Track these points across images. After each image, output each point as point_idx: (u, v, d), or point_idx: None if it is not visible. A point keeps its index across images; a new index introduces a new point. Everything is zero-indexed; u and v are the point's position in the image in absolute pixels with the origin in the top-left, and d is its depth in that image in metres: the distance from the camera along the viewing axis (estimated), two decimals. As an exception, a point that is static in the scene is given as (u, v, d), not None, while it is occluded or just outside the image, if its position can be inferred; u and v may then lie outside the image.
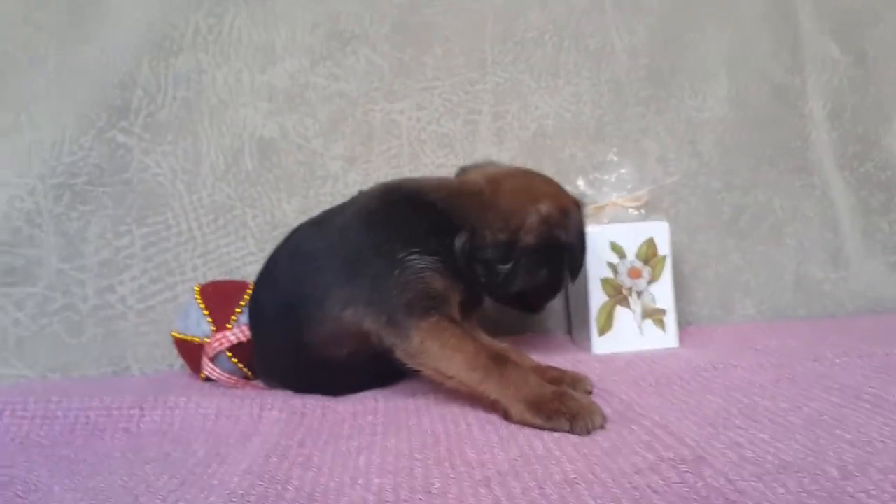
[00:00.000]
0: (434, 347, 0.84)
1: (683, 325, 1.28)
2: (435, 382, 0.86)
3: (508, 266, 0.94)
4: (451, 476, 0.62)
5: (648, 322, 1.13)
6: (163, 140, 1.31)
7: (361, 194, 1.02)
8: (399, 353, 0.86)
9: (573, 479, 0.59)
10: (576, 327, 1.24)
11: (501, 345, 1.00)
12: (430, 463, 0.66)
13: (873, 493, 0.51)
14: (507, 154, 1.33)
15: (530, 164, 1.31)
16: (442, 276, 0.89)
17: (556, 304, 1.32)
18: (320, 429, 0.82)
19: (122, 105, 1.30)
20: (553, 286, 1.03)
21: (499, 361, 0.81)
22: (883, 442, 0.61)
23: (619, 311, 1.13)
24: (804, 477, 0.54)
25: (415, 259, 0.88)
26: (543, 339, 1.28)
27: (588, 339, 1.14)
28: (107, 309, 1.28)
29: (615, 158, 1.18)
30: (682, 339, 1.15)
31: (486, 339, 0.99)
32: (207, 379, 1.10)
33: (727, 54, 1.38)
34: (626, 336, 1.13)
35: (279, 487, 0.63)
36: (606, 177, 1.18)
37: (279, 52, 1.34)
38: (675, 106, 1.36)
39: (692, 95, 1.36)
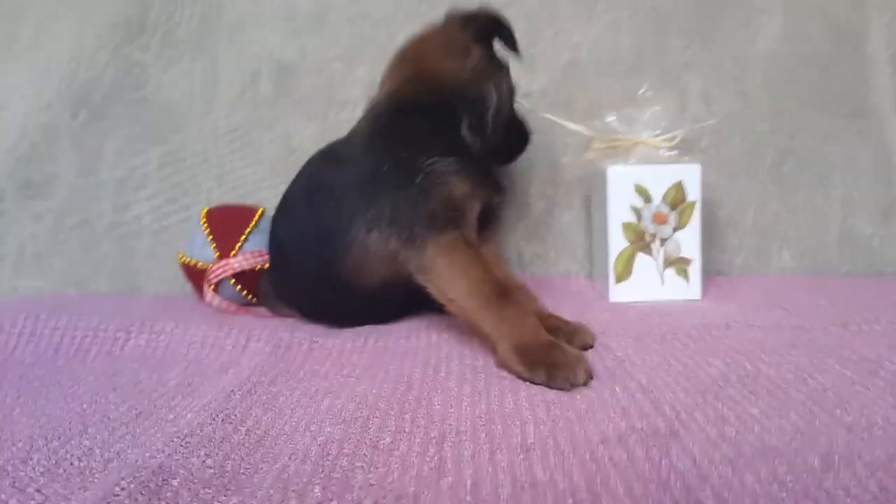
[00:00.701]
0: (443, 265, 0.81)
1: (713, 274, 1.20)
2: (438, 303, 0.83)
3: (494, 96, 0.96)
4: (406, 430, 0.58)
5: (671, 271, 1.06)
6: (180, 59, 1.27)
7: (364, 117, 0.99)
8: (412, 267, 0.83)
9: (530, 445, 0.54)
10: (596, 273, 1.18)
11: (516, 281, 0.97)
12: (391, 413, 0.62)
13: (853, 491, 0.44)
14: (538, 85, 1.25)
15: (562, 96, 1.25)
16: (464, 178, 0.87)
17: (581, 245, 1.26)
18: (299, 365, 0.79)
19: (140, 21, 1.27)
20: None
21: (501, 295, 0.77)
22: (884, 428, 0.54)
23: (640, 258, 1.06)
24: (781, 465, 0.48)
25: (435, 162, 0.85)
26: (563, 282, 1.22)
27: (606, 285, 1.07)
28: (122, 227, 1.28)
29: (650, 94, 1.09)
30: (707, 291, 1.08)
31: (502, 270, 0.97)
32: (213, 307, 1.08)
33: (783, -15, 1.26)
34: (646, 285, 1.06)
35: (230, 428, 0.60)
36: (639, 114, 1.09)
37: (302, -29, 1.27)
38: (723, 39, 1.25)
39: (742, 28, 1.25)
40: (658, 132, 1.08)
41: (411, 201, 0.84)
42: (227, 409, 0.65)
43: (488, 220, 0.97)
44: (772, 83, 1.25)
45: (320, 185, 0.95)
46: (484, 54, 0.99)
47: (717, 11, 1.25)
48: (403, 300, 0.93)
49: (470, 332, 0.84)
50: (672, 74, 1.25)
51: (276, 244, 1.00)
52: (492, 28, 1.00)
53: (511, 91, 1.03)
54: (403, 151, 0.87)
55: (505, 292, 0.78)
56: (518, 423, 0.59)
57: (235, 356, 0.84)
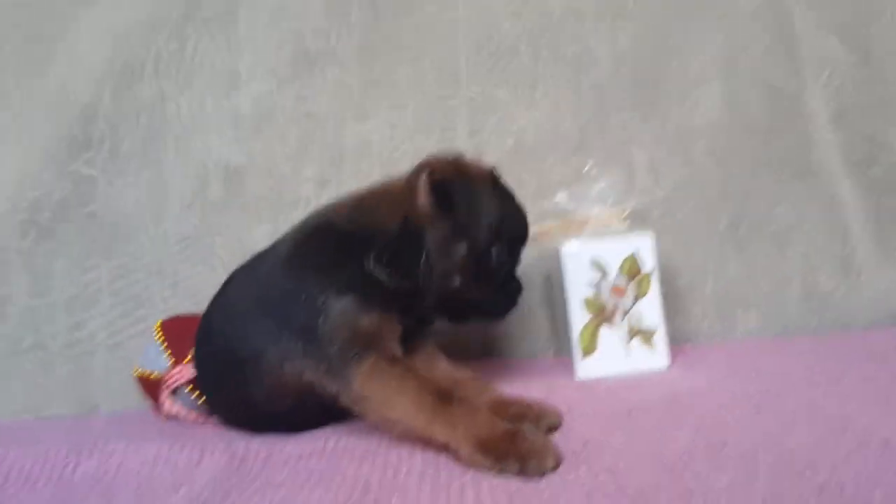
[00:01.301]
0: (375, 392, 0.77)
1: (680, 342, 1.19)
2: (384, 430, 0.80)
3: (423, 255, 0.86)
4: (360, 536, 0.55)
5: (636, 342, 1.04)
6: (127, 171, 1.26)
7: (294, 227, 0.96)
8: (343, 401, 0.80)
9: (490, 539, 0.51)
10: (562, 350, 1.16)
11: (463, 374, 0.93)
12: (346, 520, 0.59)
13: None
14: (486, 171, 1.26)
15: (509, 180, 1.23)
16: (368, 310, 0.82)
17: (544, 323, 1.24)
18: (256, 475, 0.75)
19: (85, 137, 1.26)
20: (484, 267, 0.90)
21: (444, 400, 0.74)
22: (855, 487, 0.52)
23: (604, 331, 1.04)
24: (749, 537, 0.46)
25: (332, 301, 0.82)
26: (529, 362, 1.20)
27: (573, 362, 1.05)
28: (76, 346, 1.24)
29: (595, 171, 1.10)
30: (675, 359, 1.06)
31: (443, 367, 0.92)
32: (170, 417, 1.04)
33: (718, 57, 1.28)
34: (613, 358, 1.04)
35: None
36: (587, 190, 1.10)
37: (244, 77, 1.28)
38: (664, 113, 1.27)
39: (681, 101, 1.27)
40: (606, 207, 1.09)
41: (319, 339, 0.81)
42: (174, 530, 0.61)
43: (422, 332, 0.93)
44: (717, 150, 1.26)
45: (235, 302, 0.94)
46: (431, 209, 0.86)
47: (655, 86, 1.27)
48: (327, 413, 0.88)
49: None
50: (616, 150, 1.26)
51: (198, 362, 0.98)
52: (441, 175, 0.88)
53: (467, 263, 0.88)
54: (307, 285, 0.84)
55: (446, 395, 0.75)
56: (477, 516, 0.56)
57: (189, 472, 0.80)
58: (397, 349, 0.83)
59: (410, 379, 0.77)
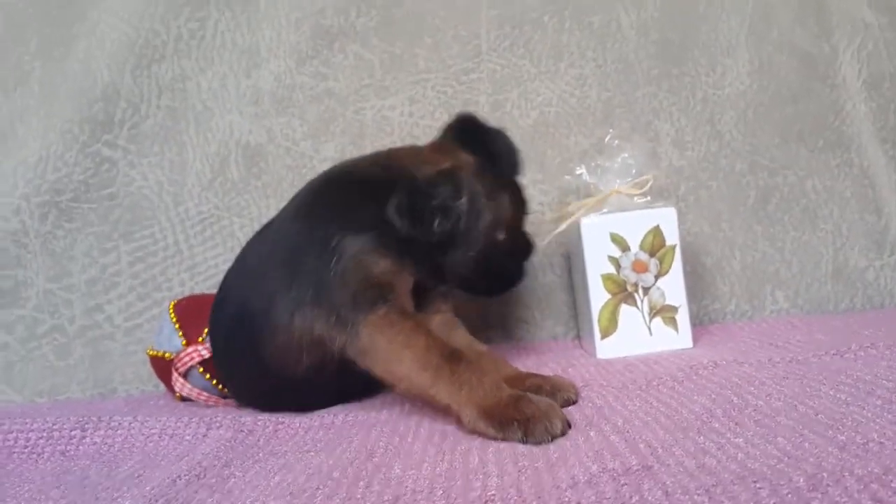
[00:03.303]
0: (382, 344, 0.74)
1: (706, 322, 1.15)
2: (389, 385, 0.77)
3: (463, 200, 0.85)
4: (358, 497, 0.53)
5: (658, 321, 1.00)
6: (148, 151, 1.26)
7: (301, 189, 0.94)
8: (350, 352, 0.77)
9: (490, 497, 0.49)
10: (582, 331, 1.13)
11: (478, 347, 0.90)
12: (344, 482, 0.57)
13: (842, 507, 0.39)
14: (508, 146, 1.23)
15: (532, 154, 1.23)
16: (383, 254, 0.80)
17: (565, 305, 1.21)
18: (261, 447, 0.74)
19: (106, 118, 1.25)
20: (518, 228, 0.96)
21: (452, 360, 0.71)
22: (881, 443, 0.48)
23: (625, 309, 1.01)
24: (762, 488, 0.43)
25: (348, 241, 0.79)
26: (550, 345, 1.17)
27: (593, 343, 1.02)
28: (94, 329, 1.23)
29: (616, 142, 1.07)
30: (699, 339, 1.02)
31: (460, 337, 0.90)
32: (184, 399, 1.03)
33: (746, 24, 1.25)
34: (633, 337, 1.00)
35: (169, 513, 0.55)
36: (609, 163, 1.06)
37: (264, 54, 1.27)
38: (691, 83, 1.23)
39: (709, 71, 1.24)
40: (629, 180, 1.05)
41: (332, 283, 0.78)
42: (169, 495, 0.60)
43: (437, 295, 0.91)
44: (745, 122, 1.22)
45: (248, 262, 0.91)
46: (472, 164, 0.89)
47: (681, 57, 1.24)
48: (341, 385, 0.86)
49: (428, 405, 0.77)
50: (642, 122, 1.23)
51: (212, 329, 0.95)
52: (470, 130, 0.93)
53: (497, 221, 0.90)
54: (321, 227, 0.81)
55: (455, 355, 0.71)
56: (480, 477, 0.54)
57: (195, 445, 0.79)
58: (409, 303, 0.81)
59: (420, 335, 0.74)
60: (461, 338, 0.90)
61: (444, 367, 0.70)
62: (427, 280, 0.86)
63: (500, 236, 0.91)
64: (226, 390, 1.01)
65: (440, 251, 0.86)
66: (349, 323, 0.76)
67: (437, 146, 0.95)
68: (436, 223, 0.84)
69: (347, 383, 0.84)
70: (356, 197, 0.85)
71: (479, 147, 0.91)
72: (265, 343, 0.84)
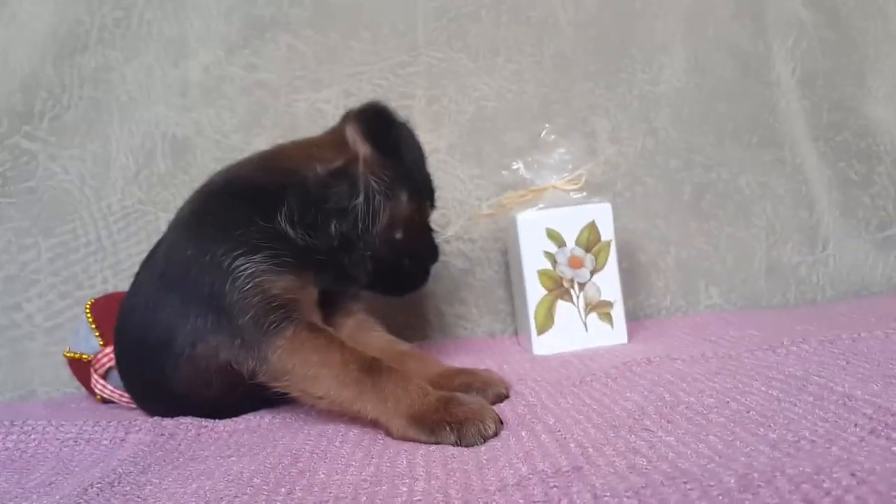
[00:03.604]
0: (295, 365, 0.70)
1: (641, 318, 1.15)
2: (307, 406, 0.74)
3: (360, 199, 0.81)
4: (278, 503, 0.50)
5: (593, 316, 1.00)
6: (69, 144, 1.20)
7: (197, 189, 0.87)
8: (262, 377, 0.72)
9: (416, 502, 0.47)
10: (520, 327, 1.11)
11: (400, 346, 0.87)
12: (265, 488, 0.54)
13: (773, 508, 0.38)
14: (445, 141, 1.21)
15: (469, 150, 1.22)
16: (280, 272, 0.74)
17: (503, 301, 1.20)
18: (181, 452, 0.70)
19: (25, 109, 1.20)
20: (419, 227, 0.90)
21: (372, 372, 0.67)
22: (812, 441, 0.48)
23: (561, 305, 1.00)
24: (693, 489, 0.41)
25: (240, 263, 0.73)
26: (487, 342, 1.15)
27: (530, 339, 1.01)
28: (13, 329, 1.18)
29: (552, 137, 1.05)
30: (634, 334, 1.02)
31: (378, 338, 0.86)
32: (105, 401, 0.99)
33: (683, 21, 1.25)
34: (569, 333, 0.99)
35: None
36: (545, 158, 1.05)
37: (192, 45, 1.23)
38: (627, 80, 1.23)
39: (646, 67, 1.24)
40: (565, 175, 1.04)
41: (230, 308, 0.73)
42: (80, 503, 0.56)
43: (347, 297, 0.87)
44: (681, 119, 1.23)
45: (143, 288, 0.85)
46: (371, 158, 0.84)
47: (618, 53, 1.24)
48: (256, 401, 0.82)
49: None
50: (579, 118, 1.22)
51: (117, 354, 0.90)
52: (376, 122, 0.86)
53: (394, 219, 0.85)
54: (210, 249, 0.75)
55: (375, 366, 0.68)
56: (407, 481, 0.52)
57: (112, 450, 0.74)
58: (317, 316, 0.76)
59: (335, 350, 0.70)
60: (379, 339, 0.87)
61: (365, 381, 0.67)
62: (332, 285, 0.82)
63: (398, 235, 0.86)
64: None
65: (341, 253, 0.82)
66: (255, 347, 0.72)
67: (333, 136, 0.88)
68: (332, 227, 0.80)
69: (263, 399, 0.80)
70: (244, 210, 0.78)
71: (383, 139, 0.85)
72: (170, 373, 0.79)
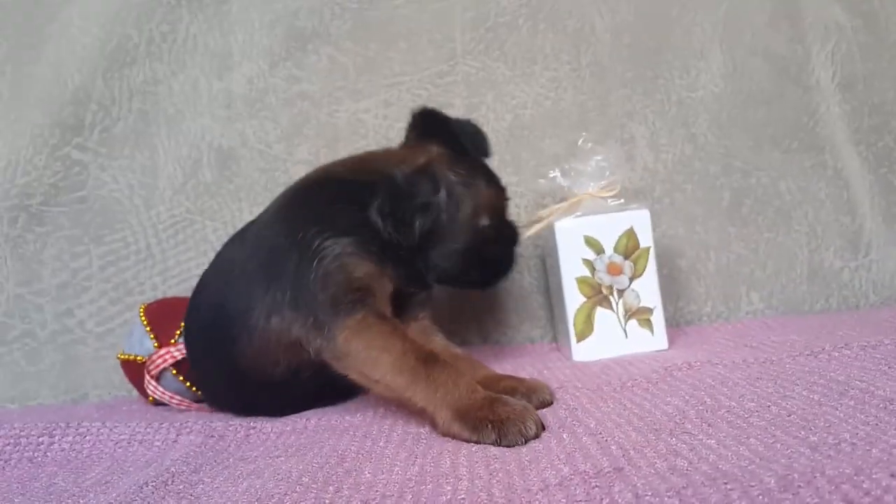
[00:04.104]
0: (359, 348, 0.74)
1: (682, 324, 1.15)
2: (365, 388, 0.77)
3: (441, 192, 0.87)
4: (326, 502, 0.52)
5: (633, 323, 1.00)
6: (119, 154, 1.24)
7: (288, 187, 0.93)
8: (326, 356, 0.76)
9: (460, 500, 0.48)
10: (559, 334, 1.12)
11: (455, 351, 0.89)
12: (313, 487, 0.56)
13: (813, 507, 0.39)
14: (483, 149, 1.23)
15: (507, 158, 1.23)
16: (364, 258, 0.79)
17: (542, 308, 1.21)
18: (231, 452, 0.73)
19: (76, 121, 1.24)
20: (500, 211, 0.96)
21: (428, 363, 0.70)
22: (853, 444, 0.48)
23: (600, 312, 1.00)
24: (733, 489, 0.42)
25: (330, 244, 0.78)
26: (526, 348, 1.16)
27: (568, 345, 1.02)
28: (65, 334, 1.22)
29: (589, 145, 1.06)
30: (675, 340, 1.03)
31: (437, 342, 0.89)
32: (157, 403, 1.02)
33: (720, 27, 1.25)
34: (609, 340, 1.00)
35: (134, 521, 0.54)
36: (583, 166, 1.06)
37: (236, 57, 1.26)
38: (664, 86, 1.24)
39: (683, 73, 1.24)
40: (602, 183, 1.05)
41: (311, 285, 0.77)
42: (135, 501, 0.59)
43: (415, 304, 0.90)
44: (719, 124, 1.23)
45: (224, 264, 0.90)
46: (445, 155, 0.90)
47: (654, 60, 1.24)
48: (317, 388, 0.85)
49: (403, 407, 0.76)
50: (616, 125, 1.23)
51: (187, 331, 0.95)
52: (434, 124, 0.93)
53: (477, 207, 0.90)
54: (302, 229, 0.80)
55: (431, 358, 0.71)
56: (451, 480, 0.53)
57: (164, 450, 0.77)
58: (387, 308, 0.80)
59: (397, 338, 0.73)
60: (438, 343, 0.90)
61: (420, 370, 0.70)
62: (406, 286, 0.85)
63: (484, 223, 0.91)
64: (199, 393, 1.00)
65: (422, 252, 0.87)
66: (326, 326, 0.76)
67: (408, 145, 0.96)
68: (416, 225, 0.86)
69: (324, 387, 0.83)
70: (337, 200, 0.84)
71: (446, 137, 0.91)
72: (241, 346, 0.83)
